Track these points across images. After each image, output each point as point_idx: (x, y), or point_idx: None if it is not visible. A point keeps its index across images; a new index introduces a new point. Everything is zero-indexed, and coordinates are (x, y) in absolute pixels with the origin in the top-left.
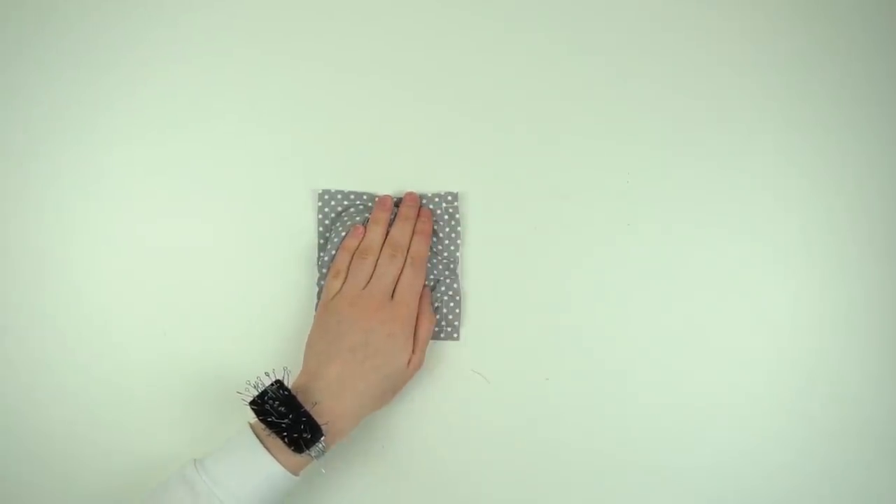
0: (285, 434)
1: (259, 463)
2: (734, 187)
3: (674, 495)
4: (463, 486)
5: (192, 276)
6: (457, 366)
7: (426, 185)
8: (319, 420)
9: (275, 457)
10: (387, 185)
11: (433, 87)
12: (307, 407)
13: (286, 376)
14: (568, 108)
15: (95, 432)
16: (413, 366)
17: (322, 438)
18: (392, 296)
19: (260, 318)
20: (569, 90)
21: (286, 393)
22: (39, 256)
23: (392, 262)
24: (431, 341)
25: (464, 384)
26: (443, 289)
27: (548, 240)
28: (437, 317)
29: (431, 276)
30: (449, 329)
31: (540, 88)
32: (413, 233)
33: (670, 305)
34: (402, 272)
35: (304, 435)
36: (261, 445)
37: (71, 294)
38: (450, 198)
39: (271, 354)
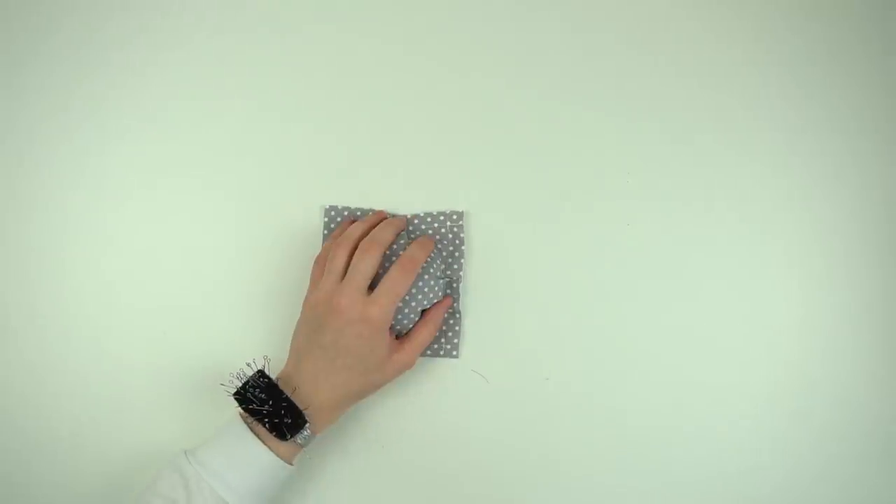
0: (266, 420)
1: (248, 450)
2: (734, 187)
3: (673, 495)
4: (463, 485)
5: (192, 280)
6: (457, 366)
7: (430, 194)
8: (301, 406)
9: (264, 444)
10: (391, 201)
11: (432, 88)
12: (287, 393)
13: (266, 365)
14: (568, 109)
15: (95, 432)
16: (398, 365)
17: (307, 425)
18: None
19: (261, 324)
20: (569, 90)
21: (266, 380)
22: (39, 256)
23: (364, 256)
24: (430, 357)
25: (464, 384)
26: None
27: (547, 239)
28: (437, 334)
29: (432, 295)
30: (448, 347)
31: (539, 88)
32: (416, 244)
33: (670, 305)
34: (389, 272)
35: (286, 420)
36: (250, 432)
37: (71, 294)
38: (455, 217)
39: (271, 357)
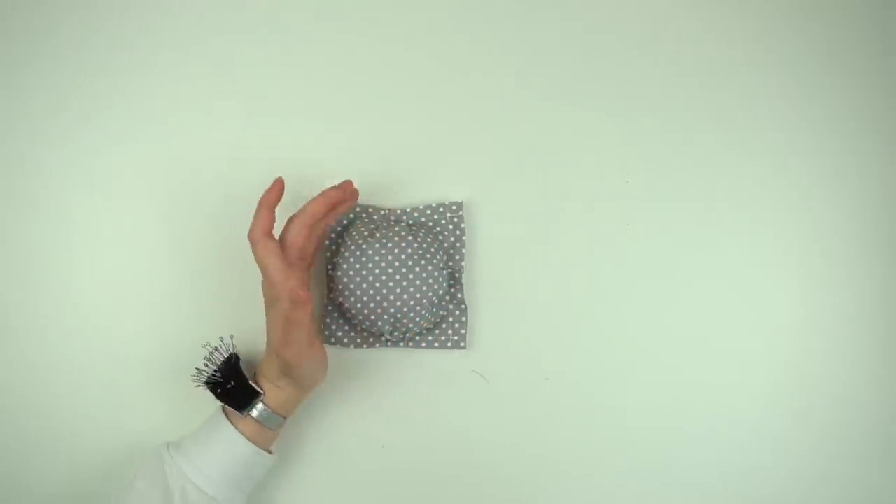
0: (210, 386)
1: (220, 432)
2: (734, 187)
3: (673, 495)
4: (463, 485)
5: (193, 280)
6: (456, 366)
7: (428, 194)
8: (255, 382)
9: (236, 428)
10: (391, 200)
11: (432, 89)
12: (244, 372)
13: (231, 342)
14: (568, 109)
15: (95, 431)
16: (285, 292)
17: (260, 398)
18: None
19: (262, 325)
20: (569, 90)
21: (223, 356)
22: (40, 257)
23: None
24: (438, 349)
25: (463, 384)
26: (447, 297)
27: (547, 240)
28: (444, 325)
29: (437, 286)
30: (456, 338)
31: (540, 88)
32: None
33: (670, 305)
34: None
35: (228, 386)
36: (225, 419)
37: (72, 294)
38: (454, 207)
39: None
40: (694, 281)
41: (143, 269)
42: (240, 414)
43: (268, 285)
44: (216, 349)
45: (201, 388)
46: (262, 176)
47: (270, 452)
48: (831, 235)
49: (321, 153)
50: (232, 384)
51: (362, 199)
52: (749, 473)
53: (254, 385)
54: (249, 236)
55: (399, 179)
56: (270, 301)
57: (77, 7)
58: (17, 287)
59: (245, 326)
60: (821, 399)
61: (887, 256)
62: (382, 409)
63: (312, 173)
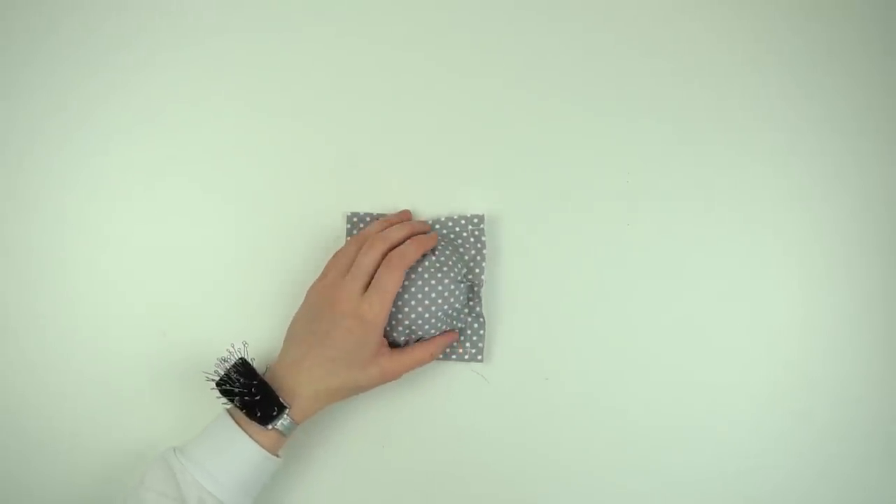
0: (237, 399)
1: (232, 441)
2: (734, 187)
3: (673, 495)
4: (462, 486)
5: (192, 280)
6: (456, 366)
7: (427, 194)
8: (279, 391)
9: (248, 434)
10: (412, 207)
11: (432, 90)
12: (265, 376)
13: (245, 349)
14: (568, 109)
15: (95, 431)
16: (384, 371)
17: (286, 411)
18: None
19: (261, 325)
20: (569, 91)
21: (243, 362)
22: (39, 257)
23: (367, 254)
24: (454, 361)
25: (463, 384)
26: (466, 311)
27: (546, 240)
28: (462, 338)
29: (452, 300)
30: (473, 351)
31: (540, 89)
32: (411, 241)
33: (670, 305)
34: (378, 271)
35: (256, 397)
36: (234, 424)
37: (71, 294)
38: (476, 220)
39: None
40: (694, 281)
41: (143, 268)
42: (264, 428)
43: (378, 309)
44: (243, 361)
45: (226, 403)
46: (261, 177)
47: (278, 456)
48: (831, 235)
49: (323, 155)
50: (258, 397)
51: (372, 206)
52: (749, 473)
53: (283, 401)
54: (398, 262)
55: (393, 179)
56: (365, 324)
57: (76, 7)
58: (16, 287)
59: (247, 326)
60: (821, 399)
61: (887, 256)
62: (383, 409)
63: (314, 176)
